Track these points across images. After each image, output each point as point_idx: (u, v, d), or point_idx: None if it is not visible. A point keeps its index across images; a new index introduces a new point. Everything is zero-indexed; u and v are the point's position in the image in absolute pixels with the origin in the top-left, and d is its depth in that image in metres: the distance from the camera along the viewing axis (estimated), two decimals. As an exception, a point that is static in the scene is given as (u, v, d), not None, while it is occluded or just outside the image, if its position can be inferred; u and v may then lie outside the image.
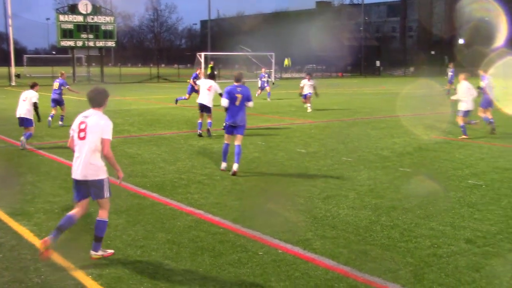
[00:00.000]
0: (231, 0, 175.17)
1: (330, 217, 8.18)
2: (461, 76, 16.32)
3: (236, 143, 11.21)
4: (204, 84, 16.70)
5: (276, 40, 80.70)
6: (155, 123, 19.77)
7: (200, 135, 16.31)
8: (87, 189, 6.41)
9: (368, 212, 8.46)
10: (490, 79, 17.26)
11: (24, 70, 74.39)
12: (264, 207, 8.85)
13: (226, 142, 11.42)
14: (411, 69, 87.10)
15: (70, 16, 53.55)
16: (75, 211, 6.53)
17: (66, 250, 6.67)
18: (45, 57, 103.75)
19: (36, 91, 14.63)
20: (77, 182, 6.45)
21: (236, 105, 11.13)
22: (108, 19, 56.35)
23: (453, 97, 16.65)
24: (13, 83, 49.81)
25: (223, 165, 11.47)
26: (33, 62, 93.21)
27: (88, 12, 53.77)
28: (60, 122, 18.88)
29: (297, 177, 11.03)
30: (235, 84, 11.32)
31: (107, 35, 55.88)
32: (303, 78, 25.21)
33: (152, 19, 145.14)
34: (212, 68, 46.45)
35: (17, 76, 53.85)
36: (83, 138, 6.32)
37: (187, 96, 23.46)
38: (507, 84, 34.94)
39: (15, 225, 7.74)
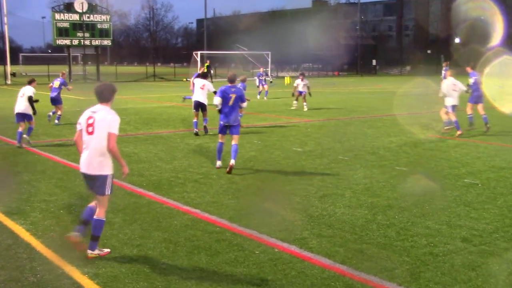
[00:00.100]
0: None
1: (327, 216, 8.19)
2: (448, 72, 17.00)
3: (233, 142, 11.30)
4: (197, 82, 16.83)
5: (273, 39, 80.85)
6: (151, 122, 19.75)
7: (196, 134, 16.34)
8: (93, 183, 6.47)
9: (364, 211, 8.47)
10: (478, 75, 17.35)
11: (20, 68, 74.24)
12: (261, 206, 8.84)
13: (220, 141, 11.52)
14: (408, 68, 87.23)
15: (66, 14, 53.45)
16: (94, 202, 6.60)
17: (62, 249, 6.66)
18: (41, 56, 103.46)
19: (34, 87, 14.84)
20: (84, 176, 6.51)
21: (230, 105, 11.23)
22: (104, 17, 56.27)
23: (440, 94, 16.78)
24: (9, 82, 49.68)
25: (218, 163, 11.54)
26: (29, 61, 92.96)
27: (84, 10, 53.69)
28: (56, 121, 18.91)
29: (294, 176, 11.03)
30: (229, 84, 11.42)
31: (103, 33, 55.80)
32: (297, 77, 25.33)
33: (148, 17, 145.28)
34: (208, 67, 46.41)
35: (13, 74, 53.70)
36: (91, 133, 6.36)
37: (192, 94, 23.47)
38: (503, 83, 34.98)
39: (11, 224, 7.72)
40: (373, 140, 15.59)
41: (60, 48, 67.86)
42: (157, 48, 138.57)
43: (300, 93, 24.34)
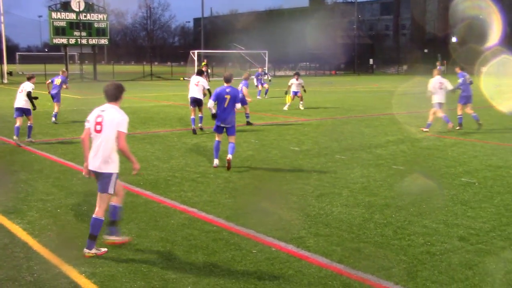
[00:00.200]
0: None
1: (324, 215, 8.19)
2: (435, 71, 17.16)
3: (230, 141, 11.37)
4: (192, 80, 17.31)
5: (270, 38, 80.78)
6: (148, 121, 19.73)
7: (194, 131, 16.48)
8: (98, 180, 6.56)
9: (362, 210, 8.47)
10: (466, 76, 17.49)
11: (17, 67, 74.03)
12: (258, 205, 8.84)
13: (217, 139, 11.57)
14: (404, 67, 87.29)
15: (63, 13, 53.37)
16: (113, 200, 6.71)
17: (59, 248, 6.65)
18: (37, 55, 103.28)
19: (33, 83, 15.06)
20: (94, 173, 6.58)
21: (225, 107, 11.23)
22: (101, 16, 56.19)
23: (428, 93, 16.92)
24: (5, 81, 49.60)
25: (215, 161, 11.55)
26: (25, 60, 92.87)
27: (81, 9, 53.59)
28: (53, 119, 19.01)
29: (291, 175, 11.03)
30: (225, 85, 11.41)
31: (100, 32, 55.74)
32: (292, 77, 25.39)
33: (145, 16, 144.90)
34: (205, 65, 46.33)
35: (10, 74, 53.57)
36: (99, 131, 6.46)
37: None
38: (501, 82, 35.04)
39: (8, 223, 7.70)
40: (370, 139, 15.61)
41: (57, 47, 67.84)
42: (154, 47, 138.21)
43: (295, 93, 24.35)
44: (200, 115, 17.12)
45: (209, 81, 24.95)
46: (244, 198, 9.28)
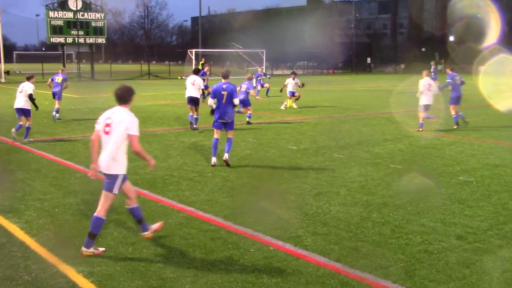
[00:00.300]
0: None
1: (322, 213, 8.19)
2: (424, 72, 17.60)
3: (228, 136, 11.53)
4: (189, 79, 17.69)
5: (268, 37, 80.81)
6: (146, 120, 19.70)
7: (191, 125, 17.02)
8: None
9: (359, 208, 8.48)
10: (456, 76, 17.64)
11: (14, 66, 73.92)
12: (256, 204, 8.84)
13: (215, 136, 11.61)
14: (402, 66, 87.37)
15: (60, 12, 53.22)
16: (130, 203, 6.89)
17: (57, 248, 6.64)
18: (35, 54, 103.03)
19: (32, 83, 15.14)
20: (102, 173, 6.67)
21: (223, 103, 11.34)
22: (98, 15, 56.07)
23: (418, 94, 17.17)
24: (3, 80, 49.48)
25: (213, 159, 11.58)
26: (23, 59, 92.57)
27: (78, 8, 53.49)
28: (55, 114, 19.32)
29: (288, 174, 11.03)
30: (223, 81, 11.52)
31: (98, 31, 55.62)
32: (288, 76, 25.42)
33: (142, 15, 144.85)
34: (203, 65, 46.26)
35: (7, 73, 53.46)
36: (108, 133, 6.55)
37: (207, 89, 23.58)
38: (499, 81, 35.06)
39: (5, 223, 7.69)
40: (368, 138, 15.62)
41: (54, 46, 67.73)
42: (151, 46, 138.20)
43: (293, 94, 24.34)
44: (195, 116, 17.29)
45: (208, 79, 24.94)
46: (242, 197, 9.28)
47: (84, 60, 72.29)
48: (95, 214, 6.53)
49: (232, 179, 10.48)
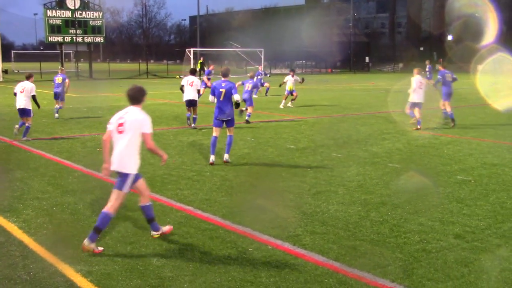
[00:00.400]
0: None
1: (320, 213, 8.20)
2: (415, 70, 17.61)
3: (229, 133, 11.57)
4: (186, 80, 17.53)
5: (266, 36, 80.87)
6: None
7: (191, 126, 17.13)
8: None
9: (358, 207, 8.48)
10: (446, 74, 17.89)
11: (12, 65, 73.86)
12: (254, 203, 8.85)
13: (214, 135, 11.63)
14: (400, 65, 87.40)
15: (58, 11, 53.22)
16: (143, 201, 7.02)
17: (55, 247, 6.64)
18: (33, 53, 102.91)
19: (32, 82, 15.23)
20: (115, 172, 6.75)
21: (221, 100, 11.38)
22: (96, 14, 56.08)
23: (409, 90, 17.34)
24: (1, 79, 49.42)
25: (212, 158, 11.58)
26: (21, 58, 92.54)
27: (76, 7, 53.45)
28: (56, 115, 19.34)
29: (287, 173, 11.04)
30: (222, 79, 11.53)
31: (96, 30, 55.61)
32: (288, 74, 25.46)
33: (140, 14, 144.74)
34: (201, 64, 46.33)
35: (5, 72, 53.41)
36: (121, 132, 6.64)
37: (201, 90, 23.49)
38: (497, 80, 35.09)
39: (3, 222, 7.68)
40: (366, 137, 15.62)
41: (52, 45, 67.64)
42: (150, 45, 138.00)
43: (291, 93, 24.35)
44: (194, 116, 17.33)
45: (207, 79, 24.90)
46: (240, 196, 9.28)
47: (82, 59, 72.27)
48: (104, 209, 6.58)
49: (230, 178, 10.49)
